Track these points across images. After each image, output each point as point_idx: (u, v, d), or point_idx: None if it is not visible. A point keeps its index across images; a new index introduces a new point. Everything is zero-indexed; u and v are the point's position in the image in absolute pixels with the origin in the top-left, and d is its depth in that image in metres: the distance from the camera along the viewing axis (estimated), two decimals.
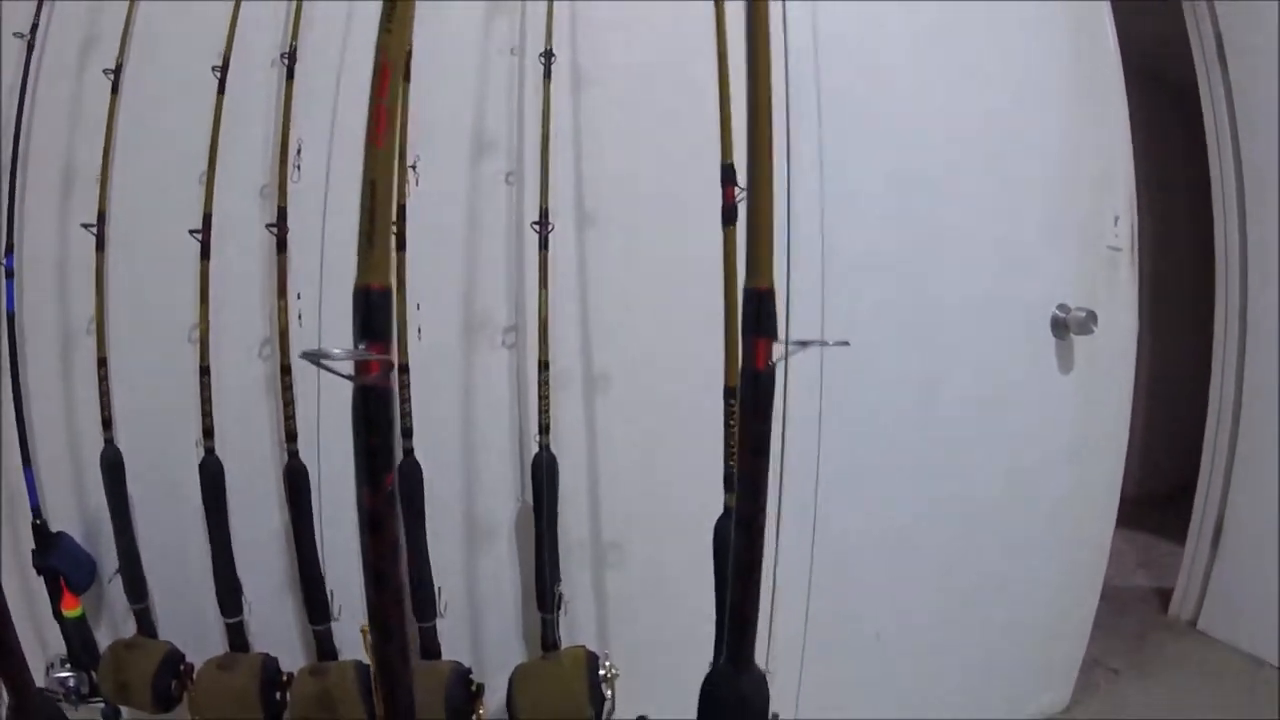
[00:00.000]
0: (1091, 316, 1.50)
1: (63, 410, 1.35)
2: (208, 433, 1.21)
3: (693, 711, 1.35)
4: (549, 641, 1.22)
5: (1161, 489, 2.31)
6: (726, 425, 0.90)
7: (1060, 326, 1.54)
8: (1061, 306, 1.54)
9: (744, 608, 0.57)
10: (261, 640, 1.30)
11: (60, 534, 1.33)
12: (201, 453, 1.23)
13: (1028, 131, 1.52)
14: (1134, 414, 1.72)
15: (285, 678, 1.25)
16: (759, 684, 0.65)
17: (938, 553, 1.53)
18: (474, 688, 1.22)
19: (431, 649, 1.25)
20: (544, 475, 1.16)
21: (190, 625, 1.32)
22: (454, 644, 1.27)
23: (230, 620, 1.27)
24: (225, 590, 1.26)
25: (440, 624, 1.25)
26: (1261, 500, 1.93)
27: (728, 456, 0.90)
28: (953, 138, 1.44)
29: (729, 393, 0.90)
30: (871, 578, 1.47)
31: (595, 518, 1.29)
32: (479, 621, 1.32)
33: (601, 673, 1.20)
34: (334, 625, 1.26)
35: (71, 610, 1.30)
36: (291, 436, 1.18)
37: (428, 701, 1.20)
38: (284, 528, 1.30)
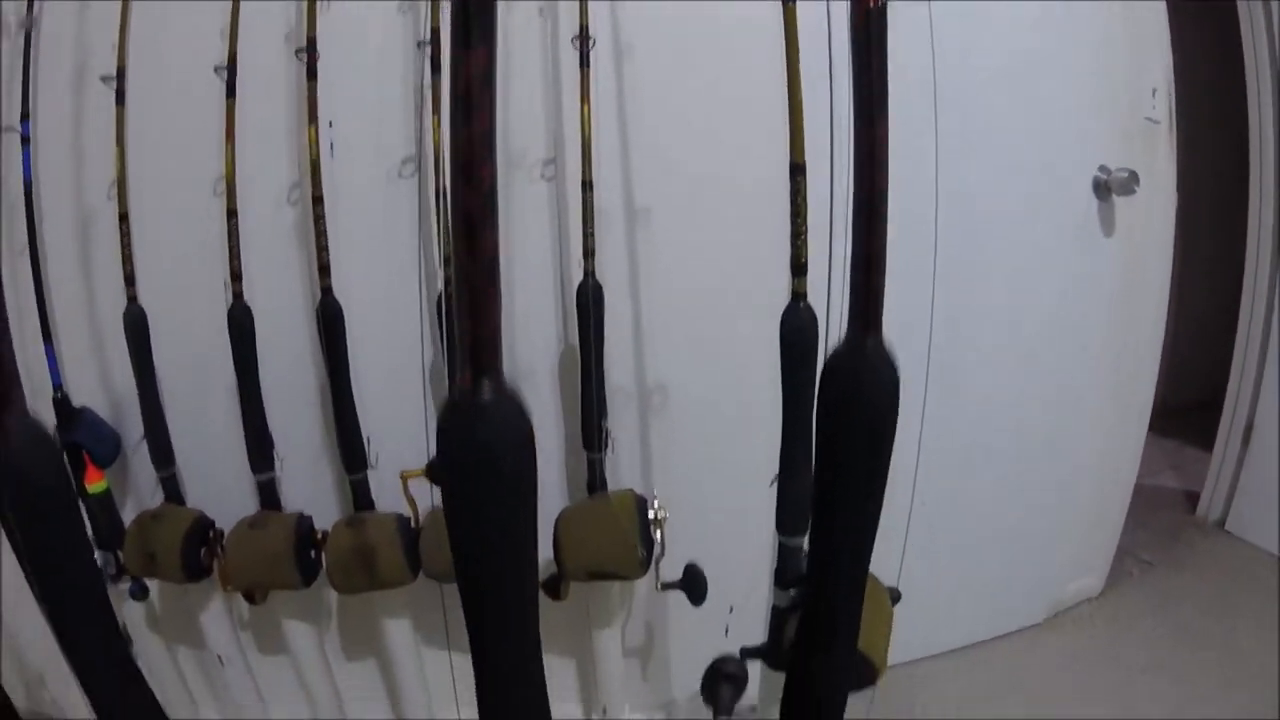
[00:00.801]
0: (1133, 177, 1.48)
1: (83, 283, 1.30)
2: (236, 277, 1.16)
3: (741, 565, 1.32)
4: (595, 483, 1.18)
5: (1189, 399, 2.28)
6: (794, 203, 0.86)
7: (1102, 188, 1.51)
8: (1102, 168, 1.51)
9: (871, 246, 0.51)
10: (294, 500, 1.26)
11: (83, 409, 1.28)
12: (230, 299, 1.18)
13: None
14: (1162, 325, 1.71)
15: (319, 536, 1.21)
16: (888, 358, 0.59)
17: (977, 433, 1.51)
18: None
19: None
20: (590, 303, 1.12)
21: (219, 491, 1.28)
22: None
23: (261, 477, 1.22)
24: (256, 445, 1.21)
25: None
26: None
27: (795, 236, 0.86)
28: None
29: (795, 169, 0.86)
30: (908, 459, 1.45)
31: (639, 360, 1.25)
32: None
33: (651, 514, 1.16)
34: (370, 474, 1.22)
35: (96, 484, 1.25)
36: (325, 270, 1.13)
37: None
38: (316, 379, 1.26)
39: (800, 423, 0.91)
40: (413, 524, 1.19)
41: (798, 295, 0.89)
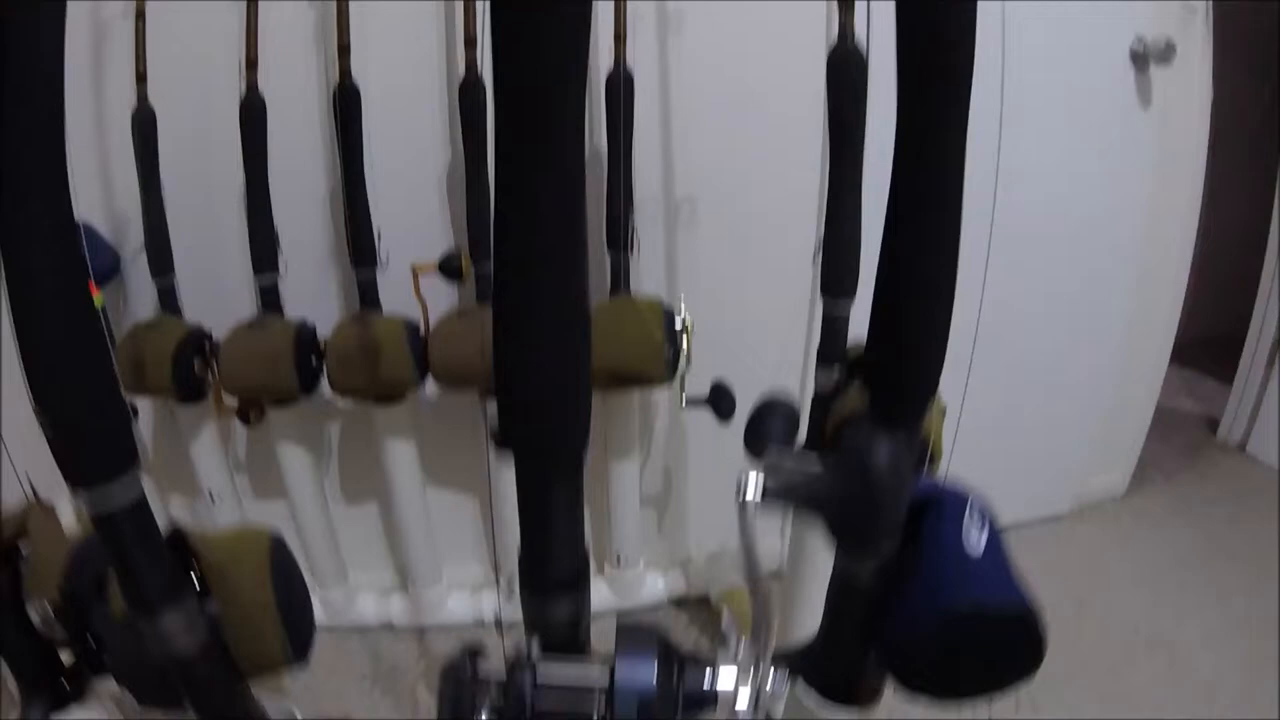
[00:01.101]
0: (1170, 46, 1.45)
1: (91, 93, 1.24)
2: (251, 64, 1.11)
3: (768, 386, 1.26)
4: (619, 284, 1.13)
5: (1210, 333, 2.24)
6: None
7: (1139, 58, 1.48)
8: (1138, 39, 1.48)
9: None
10: (296, 311, 1.20)
11: (80, 224, 1.23)
12: (244, 89, 1.12)
13: None
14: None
15: (322, 344, 1.15)
16: None
17: (1008, 312, 1.46)
18: None
19: (488, 296, 1.15)
20: (620, 90, 1.06)
21: (218, 303, 1.21)
22: None
23: (264, 279, 1.16)
24: (260, 244, 1.15)
25: None
26: None
27: None
28: None
29: None
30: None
31: (668, 169, 1.20)
32: None
33: (678, 322, 1.10)
34: (380, 280, 1.16)
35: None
36: (345, 50, 1.08)
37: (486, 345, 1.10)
38: (326, 181, 1.20)
39: (848, 165, 0.86)
40: (421, 330, 1.14)
41: (844, 32, 0.84)
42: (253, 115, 1.12)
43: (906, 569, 0.53)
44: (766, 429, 0.86)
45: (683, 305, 1.10)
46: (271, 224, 1.15)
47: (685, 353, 1.10)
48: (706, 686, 0.44)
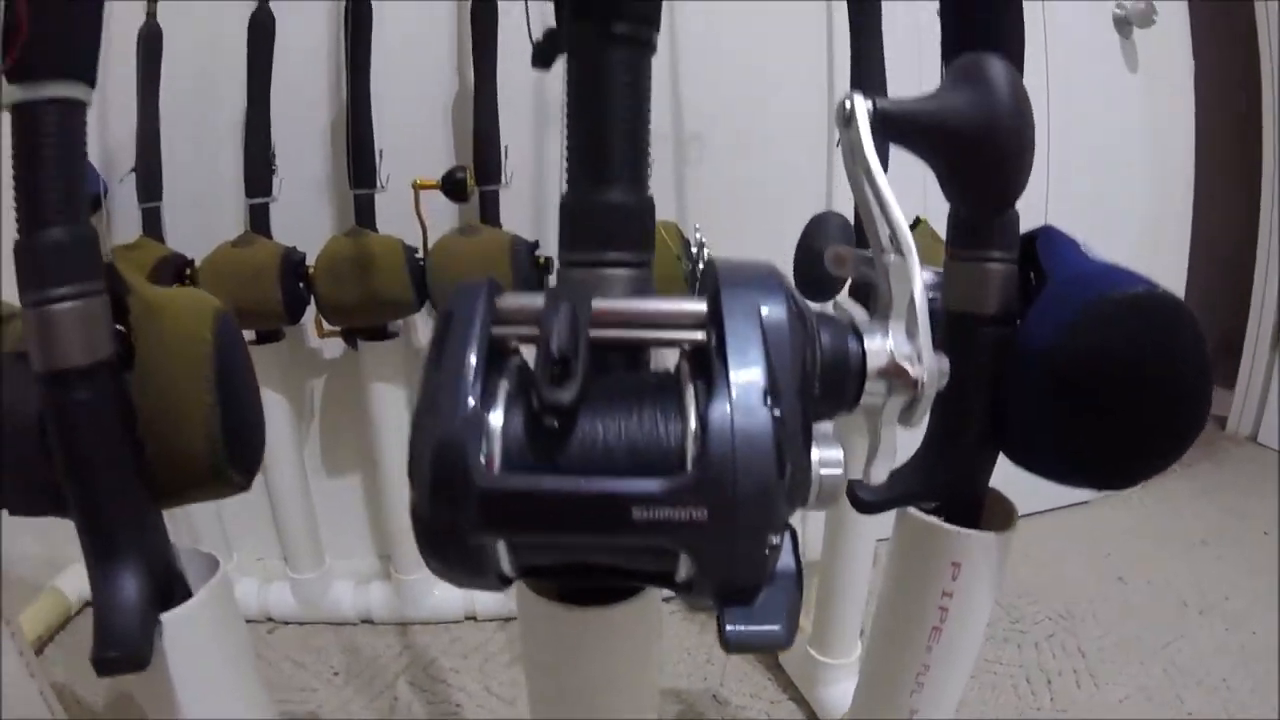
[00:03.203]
0: (1151, 6, 1.49)
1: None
2: None
3: None
4: (488, 214, 1.08)
5: (1209, 339, 2.22)
6: None
7: (1123, 24, 1.52)
8: (1119, 4, 1.52)
9: None
10: (285, 238, 1.11)
11: None
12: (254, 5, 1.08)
13: None
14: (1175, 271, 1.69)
15: (310, 270, 1.06)
16: None
17: None
18: (541, 260, 1.05)
19: (491, 216, 1.09)
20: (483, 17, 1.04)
21: (207, 231, 1.10)
22: (515, 213, 1.13)
23: (255, 201, 1.08)
24: (255, 164, 1.07)
25: (504, 193, 1.09)
26: None
27: None
28: None
29: None
30: None
31: (676, 105, 1.17)
32: (543, 197, 1.16)
33: (693, 242, 1.04)
34: (379, 197, 1.09)
35: None
36: None
37: (485, 271, 1.02)
38: (329, 107, 1.14)
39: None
40: (419, 252, 1.06)
41: None
42: (261, 33, 1.07)
43: (1032, 294, 0.45)
44: (824, 232, 0.78)
45: (698, 229, 1.04)
46: (269, 145, 1.08)
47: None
48: (854, 350, 0.31)
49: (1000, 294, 0.44)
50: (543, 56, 0.37)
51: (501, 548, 0.27)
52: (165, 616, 0.39)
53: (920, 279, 0.31)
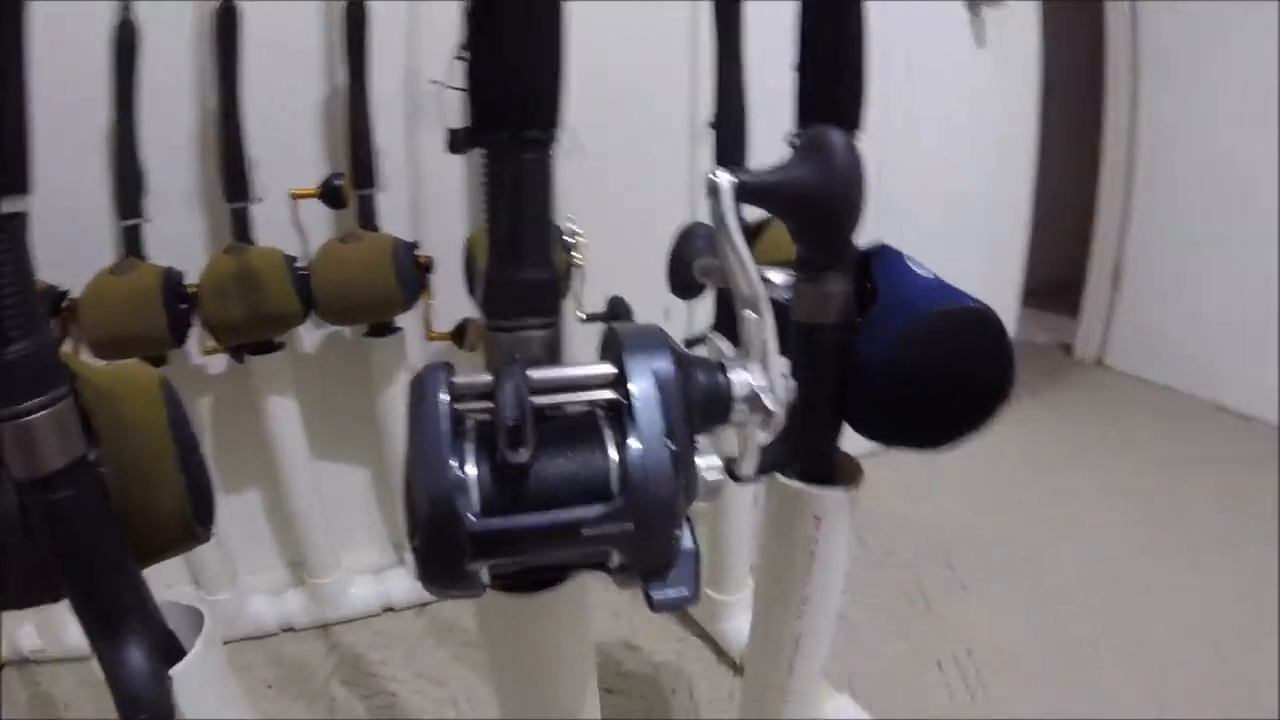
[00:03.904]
0: None
1: None
2: None
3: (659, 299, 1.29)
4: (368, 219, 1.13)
5: (1054, 279, 2.47)
6: None
7: (973, 2, 1.66)
8: None
9: None
10: (161, 259, 1.09)
11: None
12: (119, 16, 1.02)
13: None
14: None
15: (191, 289, 1.05)
16: None
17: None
18: (422, 260, 1.10)
19: (370, 220, 1.12)
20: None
21: (76, 260, 1.05)
22: (393, 215, 1.16)
23: (127, 223, 1.05)
24: (125, 184, 1.05)
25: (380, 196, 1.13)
26: (1160, 235, 2.12)
27: None
28: None
29: None
30: None
31: None
32: (420, 197, 1.20)
33: (567, 234, 1.11)
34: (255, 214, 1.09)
35: None
36: None
37: (370, 276, 1.05)
38: (196, 115, 1.12)
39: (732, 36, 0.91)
40: (299, 260, 1.07)
41: None
42: (125, 42, 1.02)
43: (867, 301, 0.57)
44: (692, 244, 0.87)
45: (572, 223, 1.11)
46: (138, 162, 1.05)
47: (582, 262, 1.11)
48: (722, 383, 0.41)
49: (839, 308, 0.55)
50: (458, 146, 0.44)
51: (485, 568, 0.35)
52: (174, 672, 0.43)
53: (773, 332, 0.41)
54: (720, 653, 1.22)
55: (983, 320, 0.53)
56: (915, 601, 1.33)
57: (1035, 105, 1.85)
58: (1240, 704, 1.09)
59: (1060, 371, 2.25)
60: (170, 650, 0.44)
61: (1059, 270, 2.44)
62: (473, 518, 0.34)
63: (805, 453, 0.61)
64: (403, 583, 1.34)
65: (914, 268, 0.57)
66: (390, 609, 1.33)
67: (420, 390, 0.35)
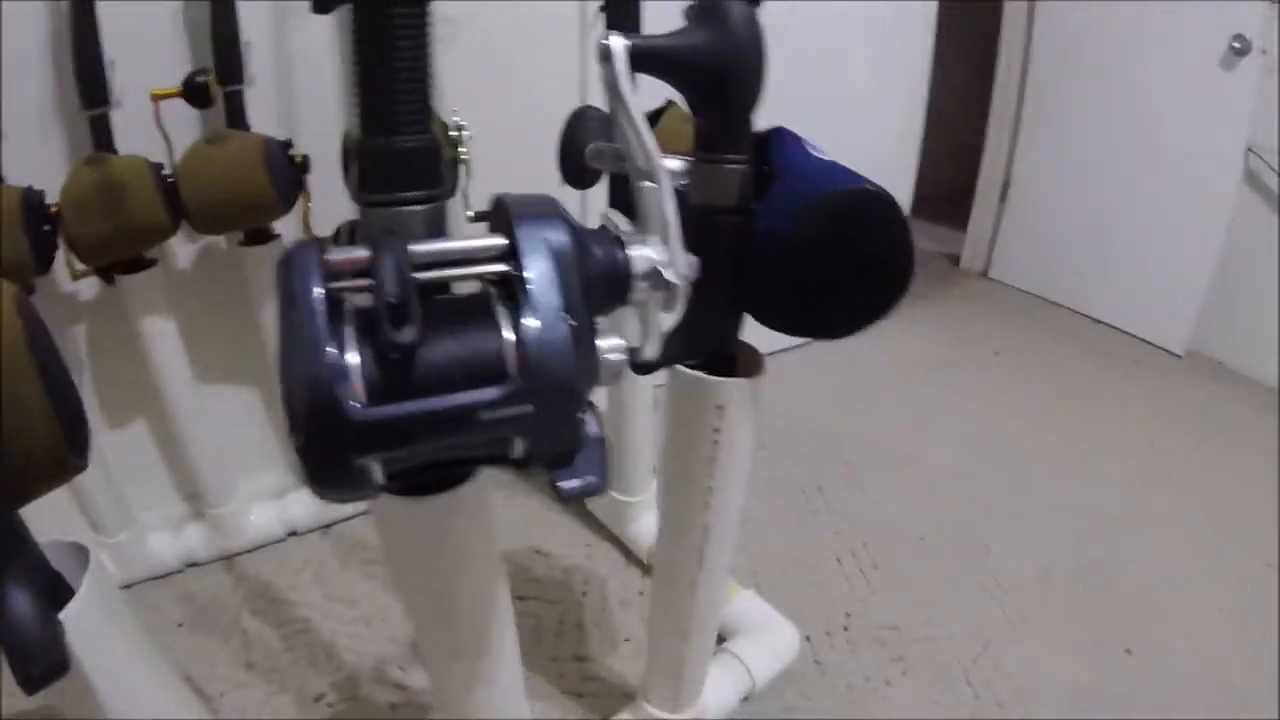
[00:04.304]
0: None
1: None
2: None
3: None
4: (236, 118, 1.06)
5: (946, 192, 2.53)
6: None
7: None
8: None
9: None
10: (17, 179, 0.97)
11: None
12: None
13: None
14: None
15: (54, 209, 0.95)
16: None
17: None
18: (298, 159, 1.03)
19: (239, 119, 1.03)
20: None
21: None
22: (263, 113, 1.08)
23: None
24: None
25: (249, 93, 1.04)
26: (1048, 152, 2.18)
27: None
28: None
29: None
30: None
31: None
32: (292, 90, 1.12)
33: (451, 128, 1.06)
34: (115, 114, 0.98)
35: None
36: None
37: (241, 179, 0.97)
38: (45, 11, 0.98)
39: None
40: (165, 168, 0.98)
41: None
42: None
43: (765, 180, 0.55)
44: (584, 128, 0.84)
45: (456, 116, 1.05)
46: None
47: (466, 158, 1.06)
48: (620, 259, 0.38)
49: (738, 189, 0.53)
50: (324, 4, 0.39)
51: (376, 464, 0.33)
52: (63, 615, 0.40)
53: (672, 202, 0.40)
54: (629, 554, 1.25)
55: (884, 204, 0.53)
56: (813, 499, 1.40)
57: (932, 14, 1.86)
58: (1099, 547, 1.28)
59: (947, 281, 2.34)
60: (58, 592, 0.40)
61: (951, 184, 2.51)
62: (357, 406, 0.31)
63: (706, 342, 0.61)
64: (305, 505, 1.30)
65: (812, 151, 0.56)
66: (294, 533, 1.30)
67: (289, 271, 0.32)
